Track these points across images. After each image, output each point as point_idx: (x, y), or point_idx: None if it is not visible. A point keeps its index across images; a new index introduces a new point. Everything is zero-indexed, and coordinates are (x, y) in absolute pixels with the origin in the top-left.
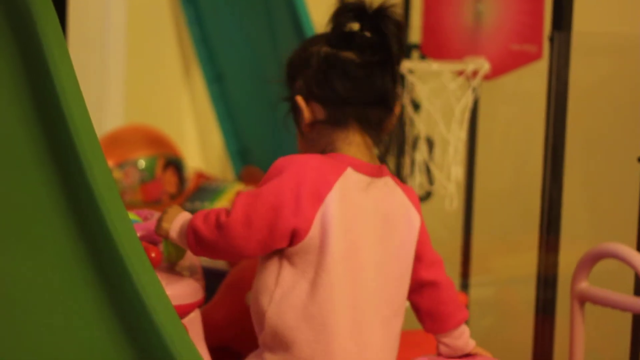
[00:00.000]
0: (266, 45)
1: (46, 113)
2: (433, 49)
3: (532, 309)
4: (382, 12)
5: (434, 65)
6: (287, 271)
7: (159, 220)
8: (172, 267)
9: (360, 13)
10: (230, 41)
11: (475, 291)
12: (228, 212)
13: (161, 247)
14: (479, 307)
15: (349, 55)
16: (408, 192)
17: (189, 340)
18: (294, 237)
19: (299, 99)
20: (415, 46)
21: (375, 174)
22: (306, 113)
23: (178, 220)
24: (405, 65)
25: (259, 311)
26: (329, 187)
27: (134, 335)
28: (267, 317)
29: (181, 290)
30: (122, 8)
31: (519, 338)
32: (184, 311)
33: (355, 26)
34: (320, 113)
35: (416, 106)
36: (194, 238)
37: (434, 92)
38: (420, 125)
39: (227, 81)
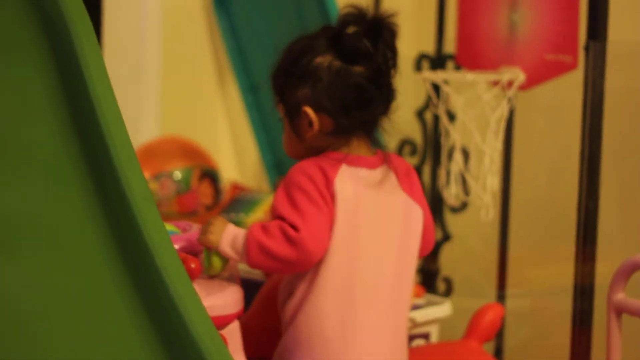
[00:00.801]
0: None
1: (83, 125)
2: (468, 59)
3: (568, 319)
4: (379, 21)
5: (468, 76)
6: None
7: (204, 232)
8: (212, 278)
9: (359, 22)
10: (264, 52)
11: (511, 302)
12: (293, 227)
13: (201, 258)
14: (515, 318)
15: (360, 70)
16: (408, 189)
17: (227, 352)
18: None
19: (309, 110)
20: (450, 56)
21: (373, 165)
22: (316, 125)
23: (228, 233)
24: (440, 76)
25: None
26: (332, 181)
27: (170, 347)
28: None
29: (222, 301)
30: (157, 20)
31: (556, 349)
32: (224, 322)
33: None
34: (329, 124)
35: (451, 117)
36: (259, 252)
37: (469, 102)
38: (455, 135)
39: (262, 92)
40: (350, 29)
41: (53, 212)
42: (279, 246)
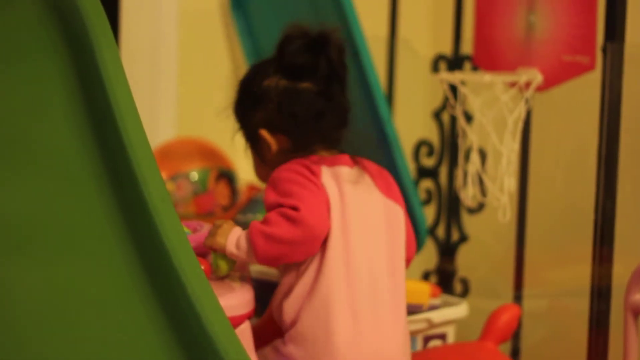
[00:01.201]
0: None
1: (101, 126)
2: (485, 61)
3: (585, 321)
4: (324, 38)
5: (486, 77)
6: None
7: (213, 235)
8: (222, 279)
9: (305, 41)
10: None
11: (528, 303)
12: (292, 208)
13: (210, 259)
14: (532, 319)
15: (307, 85)
16: (385, 189)
17: (244, 353)
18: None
19: (264, 133)
20: (468, 57)
21: (349, 164)
22: (273, 145)
23: (233, 234)
24: (458, 77)
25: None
26: (318, 176)
27: (188, 348)
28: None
29: (232, 302)
30: (174, 21)
31: (573, 350)
32: (235, 323)
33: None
34: (286, 142)
35: (469, 118)
36: (265, 241)
37: (487, 103)
38: (472, 136)
39: None
40: (291, 47)
41: (71, 214)
42: (282, 229)
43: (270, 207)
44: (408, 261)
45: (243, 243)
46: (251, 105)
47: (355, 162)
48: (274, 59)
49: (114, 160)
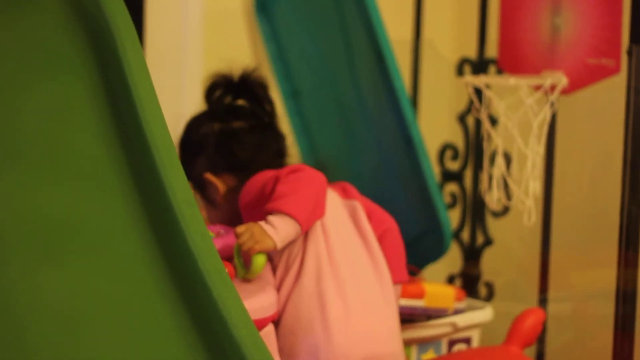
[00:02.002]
0: (342, 61)
1: (127, 131)
2: (510, 64)
3: (610, 324)
4: (246, 79)
5: (511, 80)
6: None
7: (257, 242)
8: (246, 282)
9: (228, 86)
10: (306, 57)
11: (553, 306)
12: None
13: (234, 262)
14: (557, 322)
15: (239, 124)
16: (341, 193)
17: (270, 356)
18: None
19: (209, 176)
20: (492, 61)
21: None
22: (220, 186)
23: (269, 231)
24: (482, 80)
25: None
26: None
27: (213, 351)
28: None
29: (256, 305)
30: (198, 25)
31: (598, 354)
32: (259, 325)
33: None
34: (232, 180)
35: (493, 121)
36: (305, 201)
37: (511, 106)
38: (497, 140)
39: (303, 97)
40: (216, 94)
41: (97, 218)
42: (304, 180)
43: (274, 200)
44: (392, 230)
45: (280, 221)
46: (193, 154)
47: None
48: (205, 110)
49: (139, 163)
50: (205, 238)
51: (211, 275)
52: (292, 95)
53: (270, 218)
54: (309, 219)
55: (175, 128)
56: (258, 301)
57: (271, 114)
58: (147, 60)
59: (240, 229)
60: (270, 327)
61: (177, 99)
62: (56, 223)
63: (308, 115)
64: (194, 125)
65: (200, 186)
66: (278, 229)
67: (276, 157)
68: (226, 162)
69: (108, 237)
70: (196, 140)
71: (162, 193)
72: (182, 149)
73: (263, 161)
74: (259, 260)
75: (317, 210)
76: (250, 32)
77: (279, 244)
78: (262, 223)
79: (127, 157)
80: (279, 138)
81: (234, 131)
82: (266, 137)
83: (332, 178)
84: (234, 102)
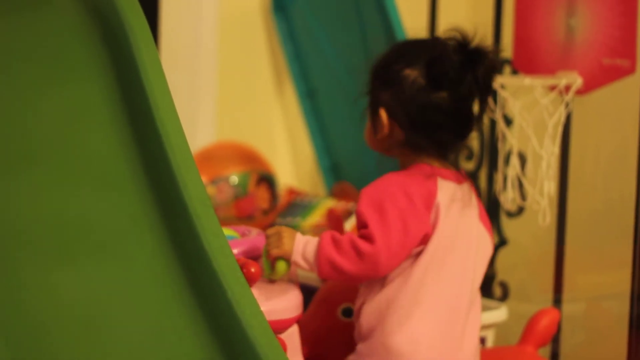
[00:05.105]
0: (358, 61)
1: (142, 131)
2: (525, 64)
3: (625, 325)
4: (479, 56)
5: (526, 80)
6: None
7: (277, 244)
8: (272, 282)
9: (460, 57)
10: (323, 57)
11: (567, 307)
12: (366, 239)
13: (261, 262)
14: (571, 322)
15: (442, 95)
16: (482, 214)
17: (284, 356)
18: (422, 241)
19: (383, 113)
20: (507, 61)
21: (458, 180)
22: (385, 128)
23: (298, 243)
24: (497, 81)
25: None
26: (434, 193)
27: (227, 351)
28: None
29: (282, 305)
30: (214, 25)
31: (612, 354)
32: (284, 326)
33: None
34: (399, 134)
35: (508, 121)
36: (330, 268)
37: (526, 107)
38: (512, 140)
39: (320, 97)
40: (449, 56)
41: (112, 218)
42: (349, 263)
43: (358, 219)
44: None
45: (310, 256)
46: (384, 81)
47: (463, 177)
48: (426, 53)
49: (155, 164)
50: (220, 238)
51: (225, 275)
52: (309, 95)
53: (307, 243)
54: (329, 277)
55: (190, 127)
56: (281, 302)
57: (483, 100)
58: (161, 61)
59: (270, 231)
60: (294, 328)
61: (192, 98)
62: (72, 224)
63: (324, 115)
64: (407, 57)
65: (373, 111)
66: (306, 259)
67: (453, 141)
68: (403, 118)
69: (123, 237)
70: (396, 74)
71: (177, 193)
72: (382, 61)
73: (437, 140)
74: (281, 265)
75: (340, 278)
76: (267, 32)
77: (292, 259)
78: (298, 236)
79: (142, 158)
80: (465, 125)
81: (430, 99)
82: (451, 121)
83: (349, 178)
84: (453, 75)
